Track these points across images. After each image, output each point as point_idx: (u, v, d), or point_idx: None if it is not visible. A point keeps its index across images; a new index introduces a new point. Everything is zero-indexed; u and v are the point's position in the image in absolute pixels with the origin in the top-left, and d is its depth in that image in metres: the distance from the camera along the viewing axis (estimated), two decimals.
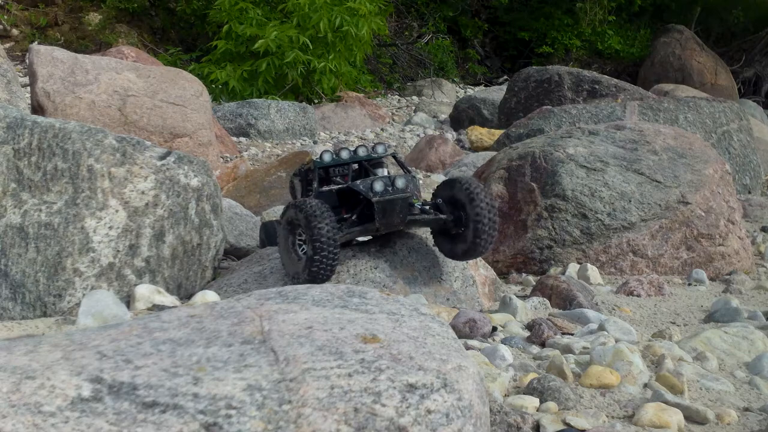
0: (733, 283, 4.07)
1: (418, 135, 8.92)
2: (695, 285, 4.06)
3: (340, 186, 3.21)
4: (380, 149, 3.36)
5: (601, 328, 3.00)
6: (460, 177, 3.24)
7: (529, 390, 2.36)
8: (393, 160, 3.62)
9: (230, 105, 8.35)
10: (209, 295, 3.20)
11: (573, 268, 4.02)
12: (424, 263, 3.36)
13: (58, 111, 5.03)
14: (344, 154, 3.31)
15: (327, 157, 3.30)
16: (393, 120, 10.34)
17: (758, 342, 2.95)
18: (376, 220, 3.10)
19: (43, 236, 3.04)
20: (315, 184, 3.27)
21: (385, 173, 3.33)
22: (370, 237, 3.40)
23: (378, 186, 3.09)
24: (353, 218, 3.15)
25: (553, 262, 4.13)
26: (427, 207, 3.22)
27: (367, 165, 3.34)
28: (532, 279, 3.98)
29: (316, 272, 2.97)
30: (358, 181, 3.14)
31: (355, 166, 3.33)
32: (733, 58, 15.43)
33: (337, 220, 3.09)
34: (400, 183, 3.12)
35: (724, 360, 2.85)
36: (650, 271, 4.13)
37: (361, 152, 3.33)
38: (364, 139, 8.59)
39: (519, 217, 4.26)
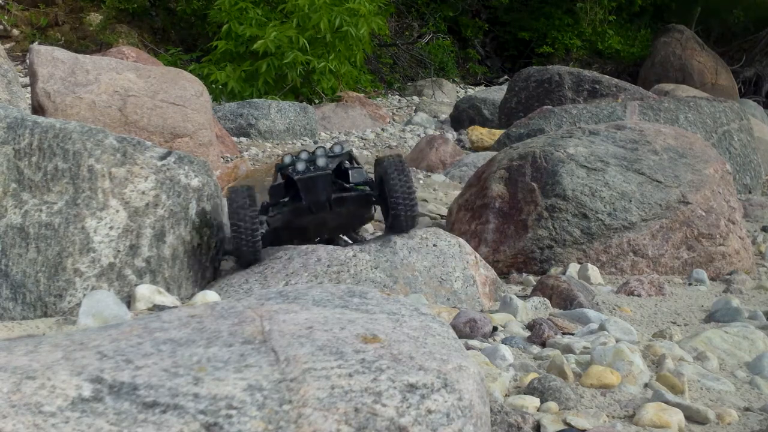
0: (733, 282, 4.07)
1: (419, 135, 8.92)
2: (696, 285, 4.05)
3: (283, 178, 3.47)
4: (337, 149, 3.54)
5: (602, 328, 3.00)
6: (385, 156, 3.43)
7: (530, 390, 2.36)
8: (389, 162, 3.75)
9: (230, 105, 8.34)
10: (210, 295, 3.20)
11: (573, 268, 4.01)
12: (424, 263, 3.36)
13: (58, 111, 5.02)
14: (302, 156, 3.52)
15: (287, 159, 3.52)
16: (393, 120, 10.34)
17: (759, 342, 2.95)
18: (302, 198, 3.35)
19: (43, 236, 3.04)
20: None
21: (362, 175, 3.53)
22: (350, 241, 3.71)
23: (300, 166, 3.37)
24: (286, 200, 3.42)
25: (553, 262, 4.13)
26: (360, 187, 3.42)
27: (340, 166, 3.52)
28: (532, 279, 3.98)
29: (238, 250, 3.27)
30: (290, 167, 3.41)
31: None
32: (734, 57, 15.43)
33: (272, 204, 3.43)
34: (320, 162, 3.36)
35: (724, 360, 2.85)
36: (651, 271, 4.13)
37: (319, 153, 3.53)
38: (365, 139, 8.59)
39: (519, 216, 4.26)
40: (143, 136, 5.22)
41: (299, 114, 8.20)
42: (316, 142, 7.94)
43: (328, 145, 3.60)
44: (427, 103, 11.37)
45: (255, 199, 3.32)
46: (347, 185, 3.42)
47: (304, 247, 3.45)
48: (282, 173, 3.48)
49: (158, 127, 5.44)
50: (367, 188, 3.42)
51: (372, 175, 3.62)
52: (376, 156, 3.68)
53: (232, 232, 3.27)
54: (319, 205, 3.39)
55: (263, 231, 3.40)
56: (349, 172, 3.40)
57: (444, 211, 5.24)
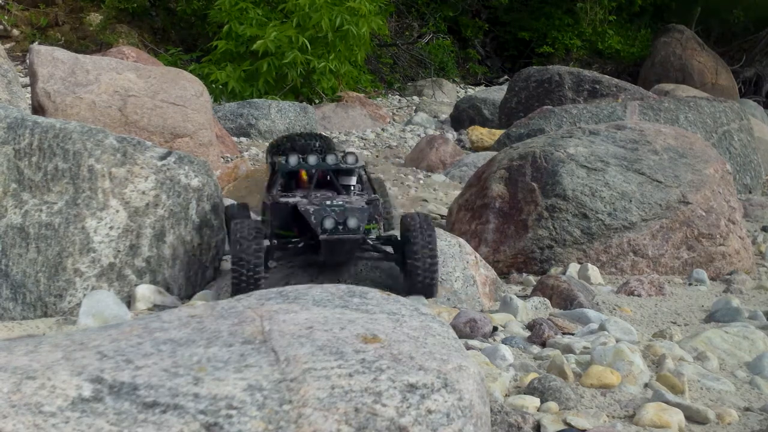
0: (733, 282, 4.07)
1: (419, 135, 8.92)
2: (696, 285, 4.06)
3: (294, 202, 3.12)
4: (350, 159, 3.28)
5: (602, 328, 3.00)
6: (412, 214, 3.13)
7: (530, 390, 2.36)
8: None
9: (231, 105, 8.35)
10: (210, 295, 3.20)
11: (573, 268, 4.02)
12: None
13: (58, 111, 5.03)
14: (312, 160, 3.23)
15: (293, 161, 3.23)
16: (393, 120, 10.34)
17: (759, 342, 2.95)
18: (322, 255, 3.02)
19: (43, 236, 3.04)
20: (275, 190, 3.22)
21: (354, 183, 3.30)
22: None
23: (328, 223, 2.95)
24: (299, 246, 3.09)
25: (553, 262, 4.13)
26: (381, 241, 3.15)
27: (332, 175, 3.27)
28: (532, 279, 3.98)
29: (236, 286, 2.93)
30: (310, 208, 3.01)
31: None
32: (734, 57, 15.43)
33: (284, 243, 3.08)
34: (352, 223, 2.96)
35: (724, 360, 2.85)
36: (651, 271, 4.13)
37: (330, 160, 3.25)
38: (365, 139, 8.59)
39: (519, 217, 4.26)
40: (143, 136, 5.22)
41: (299, 114, 8.20)
42: None
43: (339, 154, 3.34)
44: (427, 103, 11.38)
45: (261, 230, 3.02)
46: (371, 242, 3.11)
47: None
48: (296, 211, 3.06)
49: (158, 127, 5.44)
50: (390, 248, 3.13)
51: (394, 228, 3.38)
52: (402, 214, 3.35)
53: (232, 264, 2.96)
54: (338, 264, 3.13)
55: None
56: (349, 218, 2.96)
57: (444, 211, 5.24)
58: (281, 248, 3.10)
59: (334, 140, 8.15)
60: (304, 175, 3.30)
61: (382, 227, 3.23)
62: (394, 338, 1.67)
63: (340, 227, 2.95)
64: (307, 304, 1.85)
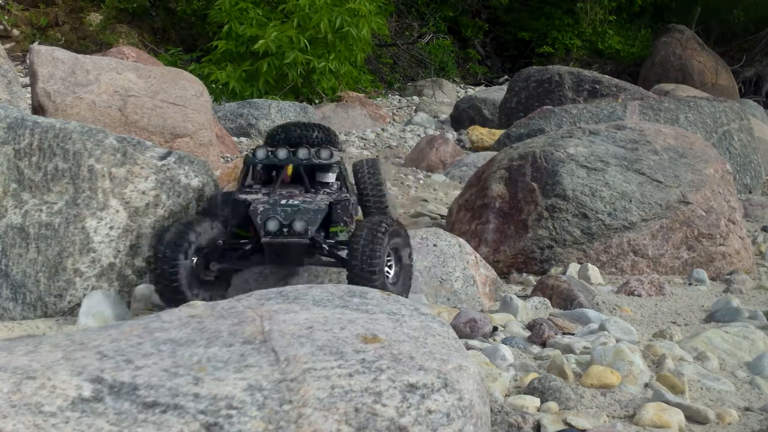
0: (733, 282, 4.07)
1: (419, 135, 8.93)
2: (696, 285, 4.06)
3: (252, 199, 2.93)
4: (324, 155, 3.03)
5: (602, 327, 3.00)
6: (365, 221, 2.87)
7: (530, 390, 2.36)
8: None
9: (231, 105, 8.35)
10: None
11: (574, 268, 4.02)
12: (424, 263, 3.36)
13: (58, 111, 5.02)
14: (281, 154, 3.03)
15: (261, 154, 3.03)
16: (393, 120, 10.34)
17: (759, 342, 2.95)
18: (266, 259, 2.82)
19: (43, 236, 3.04)
20: (238, 186, 3.05)
21: (332, 180, 3.04)
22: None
23: (272, 225, 2.75)
24: (247, 248, 2.89)
25: (553, 262, 4.13)
26: (339, 243, 2.90)
27: (302, 170, 3.03)
28: (532, 279, 3.98)
29: (159, 291, 2.81)
30: (260, 207, 2.82)
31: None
32: (734, 57, 15.43)
33: (233, 245, 2.88)
34: (298, 226, 2.75)
35: (724, 360, 2.85)
36: (651, 271, 4.13)
37: (302, 155, 3.02)
38: (365, 139, 8.59)
39: (519, 216, 4.26)
40: (143, 136, 5.22)
41: (299, 114, 8.20)
42: None
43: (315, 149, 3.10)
44: (427, 103, 11.38)
45: (192, 226, 2.84)
46: (326, 246, 2.84)
47: None
48: (236, 204, 2.87)
49: (158, 127, 5.44)
50: (345, 250, 2.84)
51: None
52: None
53: (155, 277, 2.82)
54: (285, 269, 2.94)
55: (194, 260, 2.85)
56: (296, 220, 2.75)
57: (444, 211, 5.24)
58: (231, 249, 2.91)
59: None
60: (289, 170, 3.09)
61: (351, 229, 2.97)
62: (394, 338, 1.67)
63: (285, 230, 2.76)
64: (307, 304, 1.85)
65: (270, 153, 3.04)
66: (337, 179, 3.14)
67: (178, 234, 2.81)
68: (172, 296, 2.80)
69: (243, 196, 2.96)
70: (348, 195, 3.06)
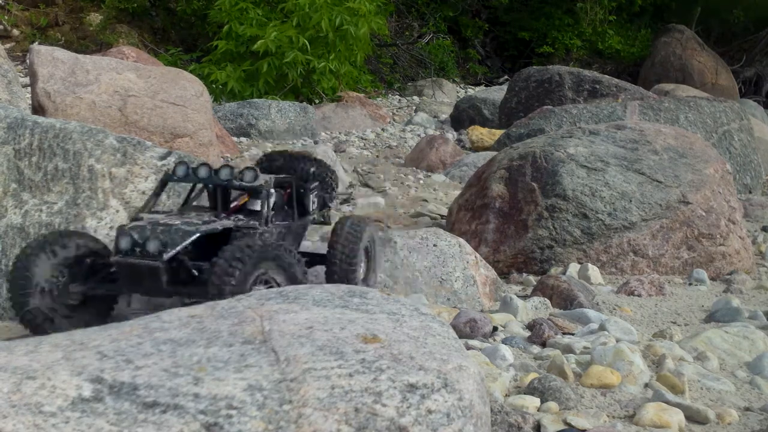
0: (733, 282, 4.07)
1: (419, 135, 8.93)
2: (696, 285, 4.06)
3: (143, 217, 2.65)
4: (248, 176, 2.72)
5: (602, 328, 3.00)
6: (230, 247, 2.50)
7: (530, 390, 2.36)
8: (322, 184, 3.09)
9: (231, 105, 8.34)
10: None
11: (574, 268, 4.02)
12: (424, 263, 3.36)
13: (58, 111, 5.02)
14: (202, 172, 2.76)
15: (180, 171, 2.77)
16: (393, 120, 10.34)
17: (759, 342, 2.95)
18: (120, 283, 2.56)
19: None
20: (149, 201, 2.79)
21: (260, 207, 2.73)
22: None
23: (123, 243, 2.47)
24: (111, 270, 2.59)
25: (553, 262, 4.13)
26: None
27: (219, 191, 2.77)
28: (532, 279, 3.98)
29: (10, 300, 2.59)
30: (127, 225, 2.56)
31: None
32: (734, 57, 15.42)
33: (101, 266, 2.60)
34: (151, 246, 2.45)
35: (724, 360, 2.85)
36: (651, 271, 4.13)
37: (224, 174, 2.73)
38: (365, 139, 8.59)
39: (520, 216, 4.26)
40: (143, 136, 5.22)
41: (299, 114, 8.20)
42: (316, 142, 7.94)
43: (238, 168, 2.80)
44: (427, 103, 11.37)
45: (50, 244, 2.58)
46: (195, 271, 2.48)
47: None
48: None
49: (158, 127, 5.44)
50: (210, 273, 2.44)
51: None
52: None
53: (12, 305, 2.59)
54: (146, 295, 2.62)
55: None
56: (149, 240, 2.46)
57: (444, 211, 5.24)
58: (98, 270, 2.66)
59: (333, 141, 8.15)
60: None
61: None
62: (394, 338, 1.67)
63: (138, 249, 2.47)
64: (307, 304, 1.85)
65: (190, 170, 2.79)
66: (289, 205, 2.84)
67: (33, 254, 2.57)
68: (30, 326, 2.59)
69: (142, 214, 2.68)
70: (256, 224, 2.68)
